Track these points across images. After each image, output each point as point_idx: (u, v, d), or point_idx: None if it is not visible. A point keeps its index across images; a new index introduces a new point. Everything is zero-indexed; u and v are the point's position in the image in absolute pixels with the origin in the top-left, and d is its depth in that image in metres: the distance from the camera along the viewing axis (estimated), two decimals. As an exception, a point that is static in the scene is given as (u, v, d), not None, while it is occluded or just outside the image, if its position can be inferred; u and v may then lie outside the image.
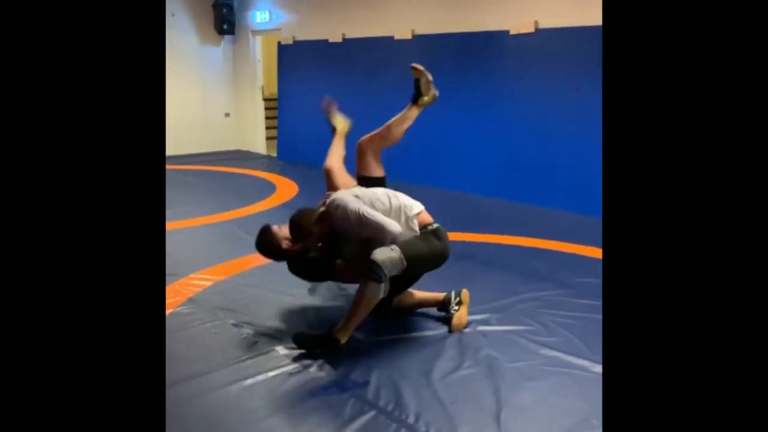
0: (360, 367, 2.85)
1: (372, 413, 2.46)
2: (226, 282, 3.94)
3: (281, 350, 3.00)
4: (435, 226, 3.14)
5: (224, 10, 9.63)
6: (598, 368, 2.78)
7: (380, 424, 2.39)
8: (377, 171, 3.44)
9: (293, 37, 8.92)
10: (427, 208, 3.21)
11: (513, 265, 4.28)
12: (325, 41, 8.38)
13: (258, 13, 9.45)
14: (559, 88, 6.00)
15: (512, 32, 6.27)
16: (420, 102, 3.56)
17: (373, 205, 3.00)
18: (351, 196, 3.05)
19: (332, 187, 3.37)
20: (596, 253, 4.51)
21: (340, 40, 8.21)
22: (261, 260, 4.14)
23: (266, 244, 3.27)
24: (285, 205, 6.09)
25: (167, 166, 7.61)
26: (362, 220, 2.92)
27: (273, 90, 10.15)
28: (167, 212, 5.34)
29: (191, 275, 4.02)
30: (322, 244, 3.17)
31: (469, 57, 6.71)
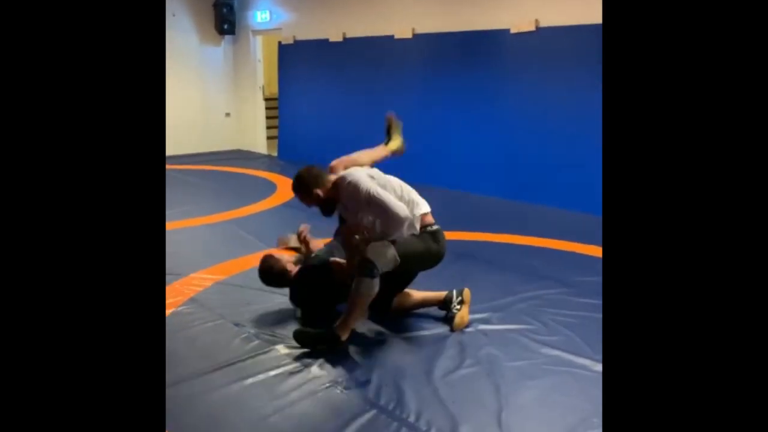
0: (361, 366, 2.86)
1: (373, 412, 2.46)
2: (226, 281, 3.94)
3: (282, 349, 3.00)
4: (435, 227, 3.15)
5: (224, 10, 9.63)
6: (599, 367, 2.78)
7: (381, 423, 2.39)
8: None
9: (294, 36, 8.92)
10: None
11: (513, 264, 4.28)
12: (326, 41, 8.38)
13: (258, 13, 9.45)
14: (560, 87, 5.99)
15: (513, 31, 6.27)
16: (388, 146, 3.61)
17: (384, 189, 3.01)
18: (365, 175, 3.05)
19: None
20: (597, 251, 4.51)
21: (340, 39, 8.21)
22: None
23: (269, 269, 3.45)
24: (286, 205, 6.09)
25: (168, 166, 7.61)
26: (372, 199, 2.91)
27: (273, 90, 10.15)
28: (168, 212, 5.34)
29: (192, 275, 4.02)
30: (322, 209, 3.16)
31: (470, 56, 6.71)
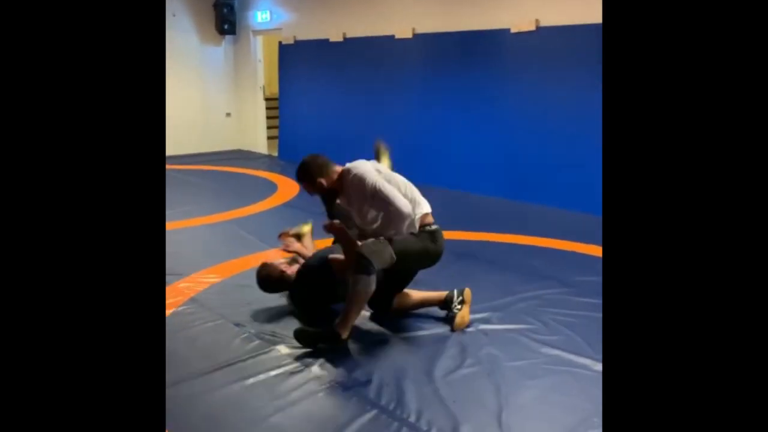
0: (361, 365, 2.86)
1: (374, 412, 2.46)
2: (227, 281, 3.94)
3: (282, 349, 3.00)
4: (434, 227, 3.14)
5: (225, 10, 9.64)
6: (599, 366, 2.78)
7: (382, 423, 2.39)
8: None
9: (294, 36, 8.93)
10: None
11: (514, 264, 4.28)
12: (326, 41, 8.38)
13: (259, 13, 9.45)
14: (560, 87, 5.99)
15: (513, 30, 6.27)
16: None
17: (389, 184, 3.01)
18: (372, 168, 3.05)
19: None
20: (597, 251, 4.51)
21: (341, 39, 8.21)
22: (263, 260, 4.15)
23: (267, 276, 3.50)
24: (286, 205, 6.10)
25: (168, 166, 7.61)
26: (377, 193, 2.91)
27: (274, 90, 10.15)
28: (168, 212, 5.35)
29: (193, 275, 4.02)
30: (324, 199, 3.17)
31: (470, 56, 6.71)
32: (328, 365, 2.85)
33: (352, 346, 3.02)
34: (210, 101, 10.04)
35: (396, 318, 3.34)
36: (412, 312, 3.41)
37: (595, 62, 5.46)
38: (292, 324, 3.28)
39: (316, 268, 3.36)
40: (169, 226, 5.15)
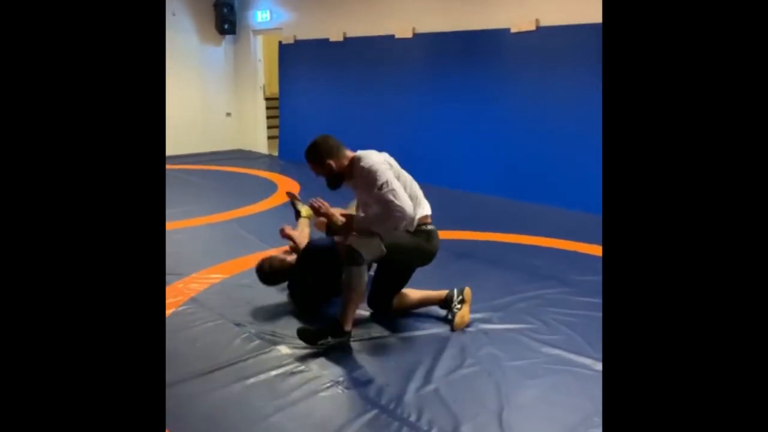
0: (362, 365, 2.86)
1: (374, 412, 2.46)
2: (227, 281, 3.94)
3: (283, 349, 3.00)
4: (430, 227, 3.14)
5: (225, 10, 9.64)
6: (600, 366, 2.78)
7: (382, 422, 2.39)
8: None
9: (294, 36, 8.93)
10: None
11: (514, 264, 4.28)
12: (326, 40, 8.38)
13: (259, 13, 9.45)
14: (560, 86, 5.99)
15: (513, 30, 6.27)
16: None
17: (398, 180, 2.99)
18: (384, 161, 3.00)
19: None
20: (597, 250, 4.51)
21: (341, 39, 8.21)
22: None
23: (268, 266, 3.56)
24: (286, 205, 6.08)
25: (168, 166, 7.62)
26: (384, 192, 2.87)
27: (274, 89, 10.15)
28: (169, 212, 5.35)
29: (193, 275, 4.02)
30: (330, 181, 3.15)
31: (470, 55, 6.71)
32: (329, 365, 2.85)
33: (353, 346, 3.02)
34: (210, 101, 10.04)
35: (396, 318, 3.34)
36: (412, 312, 3.41)
37: (595, 62, 5.46)
38: (293, 324, 3.28)
39: (318, 249, 3.38)
40: (170, 225, 5.15)
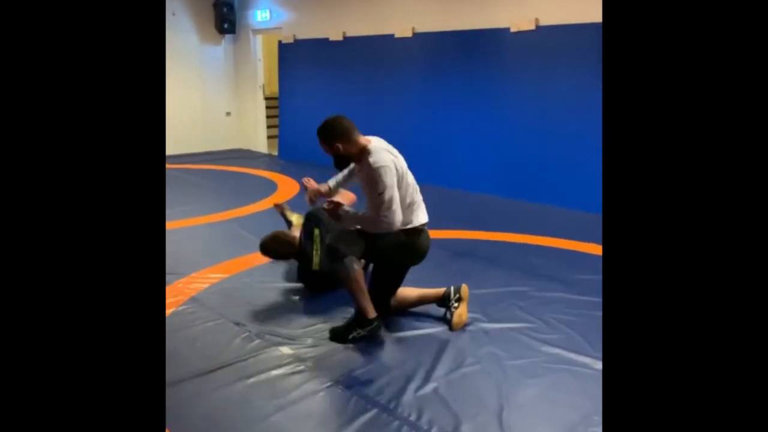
0: (362, 365, 2.86)
1: (374, 411, 2.46)
2: (227, 281, 3.94)
3: (283, 349, 3.00)
4: (418, 227, 3.13)
5: (225, 9, 9.64)
6: (600, 365, 2.78)
7: (382, 421, 2.39)
8: None
9: (294, 35, 8.92)
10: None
11: (514, 263, 4.28)
12: (326, 40, 8.38)
13: (258, 12, 9.45)
14: (560, 85, 5.99)
15: (513, 29, 6.27)
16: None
17: (398, 184, 2.98)
18: (392, 163, 2.97)
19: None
20: (597, 250, 4.51)
21: (340, 38, 8.21)
22: (262, 259, 4.15)
23: (275, 237, 3.75)
24: (286, 204, 6.08)
25: (168, 166, 7.61)
26: (383, 199, 2.88)
27: (274, 89, 10.15)
28: (168, 211, 5.35)
29: (193, 274, 4.02)
30: (336, 161, 3.17)
31: (470, 54, 6.71)
32: (329, 365, 2.85)
33: (353, 346, 3.03)
34: (210, 100, 10.04)
35: (396, 317, 3.34)
36: (412, 311, 3.41)
37: (594, 61, 5.47)
38: (293, 324, 3.29)
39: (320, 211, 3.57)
40: (170, 225, 5.16)
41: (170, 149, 9.02)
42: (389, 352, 3.01)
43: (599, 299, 3.49)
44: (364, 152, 2.99)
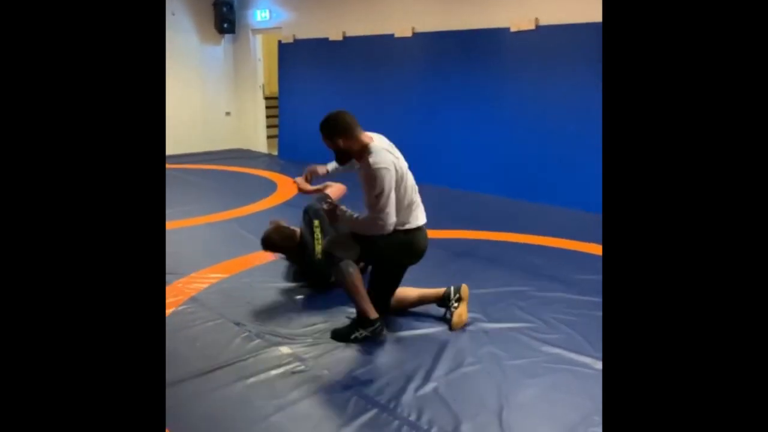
0: (362, 365, 2.86)
1: (374, 411, 2.46)
2: (227, 281, 3.94)
3: (283, 349, 3.00)
4: (413, 226, 3.12)
5: (224, 9, 9.63)
6: (600, 365, 2.78)
7: (382, 421, 2.39)
8: None
9: (294, 35, 8.92)
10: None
11: (514, 263, 4.28)
12: (326, 39, 8.38)
13: (258, 12, 9.45)
14: (560, 85, 5.99)
15: (513, 29, 6.27)
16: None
17: (398, 185, 2.97)
18: (392, 165, 2.94)
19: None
20: (597, 249, 4.51)
21: (340, 38, 8.21)
22: (262, 259, 4.16)
23: (277, 231, 3.82)
24: (286, 204, 6.09)
25: (168, 166, 7.61)
26: (378, 202, 2.88)
27: (273, 89, 10.15)
28: (168, 211, 5.35)
29: (193, 274, 4.02)
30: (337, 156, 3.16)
31: (470, 54, 6.71)
32: (329, 364, 2.85)
33: (352, 346, 3.03)
34: (209, 100, 10.04)
35: (395, 317, 3.34)
36: (412, 311, 3.41)
37: (594, 61, 5.46)
38: (293, 323, 3.29)
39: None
40: (170, 225, 5.15)
41: (170, 149, 9.02)
42: (389, 352, 3.01)
43: (599, 299, 3.49)
44: (365, 150, 2.98)
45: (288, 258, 4.04)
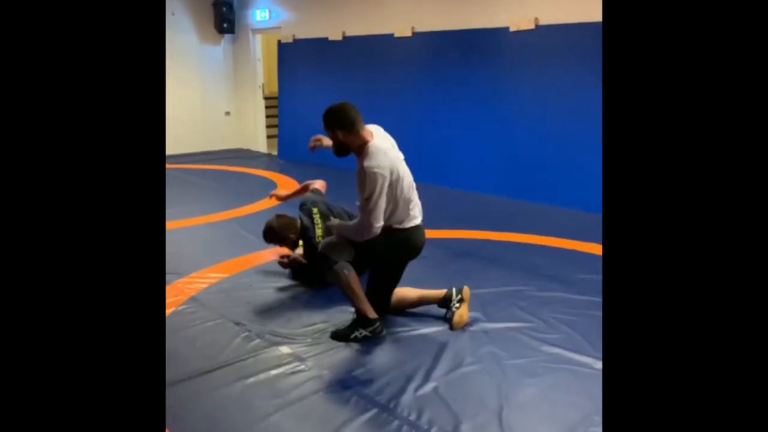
0: (362, 364, 2.86)
1: (374, 411, 2.46)
2: (227, 281, 3.94)
3: (283, 348, 3.00)
4: (410, 225, 3.12)
5: (224, 9, 9.63)
6: (600, 364, 2.78)
7: (382, 421, 2.39)
8: None
9: (293, 35, 8.92)
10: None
11: (514, 262, 4.28)
12: (325, 39, 8.38)
13: (258, 12, 9.45)
14: (559, 85, 5.99)
15: (512, 29, 6.27)
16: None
17: (393, 186, 2.94)
18: (388, 168, 2.90)
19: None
20: (597, 249, 4.51)
21: (340, 38, 8.21)
22: (262, 259, 4.16)
23: (278, 218, 3.91)
24: (286, 204, 6.08)
25: (168, 165, 7.61)
26: (368, 204, 2.87)
27: (273, 88, 10.15)
28: (168, 211, 5.35)
29: (193, 274, 4.02)
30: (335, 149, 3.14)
31: (469, 54, 6.71)
32: (329, 364, 2.85)
33: (352, 346, 3.03)
34: (209, 100, 10.04)
35: (395, 317, 3.34)
36: (412, 311, 3.41)
37: (594, 60, 5.46)
38: (293, 323, 3.29)
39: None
40: (169, 225, 5.15)
41: (170, 149, 9.02)
42: (389, 352, 3.01)
43: (599, 299, 3.49)
44: (363, 148, 2.97)
45: (289, 264, 4.01)
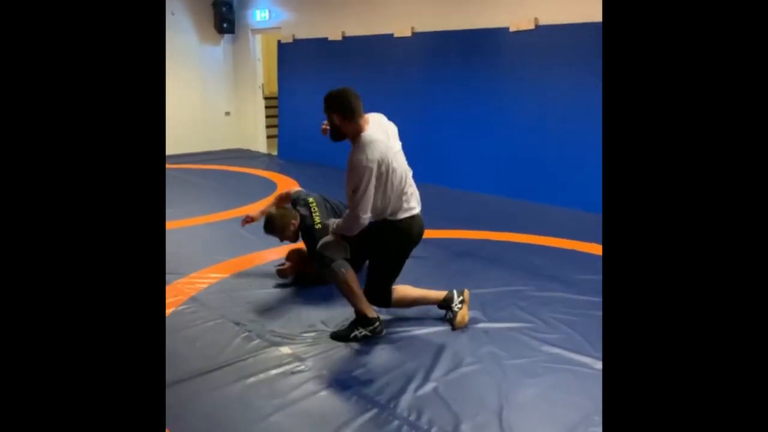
0: (362, 364, 2.86)
1: (374, 411, 2.46)
2: (227, 281, 3.94)
3: (283, 348, 3.00)
4: (407, 216, 3.08)
5: (224, 9, 9.63)
6: (600, 364, 2.78)
7: (382, 421, 2.39)
8: None
9: (293, 35, 8.92)
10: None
11: (514, 262, 4.28)
12: (325, 39, 8.38)
13: (258, 12, 9.45)
14: (559, 85, 5.99)
15: (512, 29, 6.27)
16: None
17: (385, 177, 2.91)
18: (376, 168, 2.87)
19: None
20: (597, 249, 4.51)
21: (339, 38, 8.21)
22: (262, 259, 4.15)
23: (278, 207, 3.92)
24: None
25: (168, 166, 7.61)
26: (355, 195, 2.86)
27: (273, 88, 10.15)
28: (168, 211, 5.35)
29: (193, 274, 4.02)
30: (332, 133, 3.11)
31: (470, 54, 6.71)
32: (329, 364, 2.85)
33: (352, 346, 3.03)
34: (209, 100, 10.04)
35: (396, 317, 3.34)
36: (412, 311, 3.40)
37: (594, 60, 5.46)
38: (293, 323, 3.29)
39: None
40: (170, 225, 5.16)
41: (170, 149, 9.02)
42: (389, 352, 3.01)
43: (599, 299, 3.49)
44: (356, 138, 2.95)
45: (289, 271, 3.99)
